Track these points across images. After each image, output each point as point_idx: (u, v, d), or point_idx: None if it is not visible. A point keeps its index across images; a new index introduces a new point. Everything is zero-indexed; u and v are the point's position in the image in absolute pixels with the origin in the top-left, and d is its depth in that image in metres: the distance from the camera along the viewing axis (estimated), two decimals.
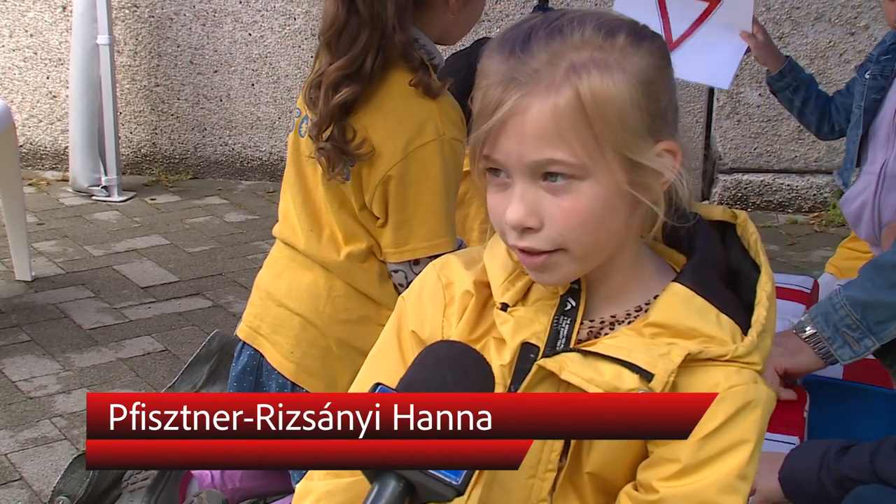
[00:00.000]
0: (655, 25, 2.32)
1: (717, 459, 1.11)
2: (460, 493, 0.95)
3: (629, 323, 1.18)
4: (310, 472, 1.26)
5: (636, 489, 1.14)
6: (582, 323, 1.18)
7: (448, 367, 1.01)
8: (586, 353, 1.12)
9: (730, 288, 1.19)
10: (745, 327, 1.16)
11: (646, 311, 1.17)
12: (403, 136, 1.89)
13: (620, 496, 1.15)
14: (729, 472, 1.10)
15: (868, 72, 2.95)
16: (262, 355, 2.10)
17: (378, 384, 0.98)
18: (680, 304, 1.14)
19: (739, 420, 1.11)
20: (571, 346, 1.17)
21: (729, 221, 1.24)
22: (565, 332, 1.18)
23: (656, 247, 1.24)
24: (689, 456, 1.10)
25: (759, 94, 4.79)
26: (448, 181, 1.92)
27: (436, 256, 1.88)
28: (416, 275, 1.87)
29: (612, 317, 1.19)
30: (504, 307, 1.19)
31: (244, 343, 2.15)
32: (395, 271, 1.98)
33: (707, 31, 2.48)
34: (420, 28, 1.99)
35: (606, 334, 1.18)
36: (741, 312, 1.17)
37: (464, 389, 0.99)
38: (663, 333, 1.13)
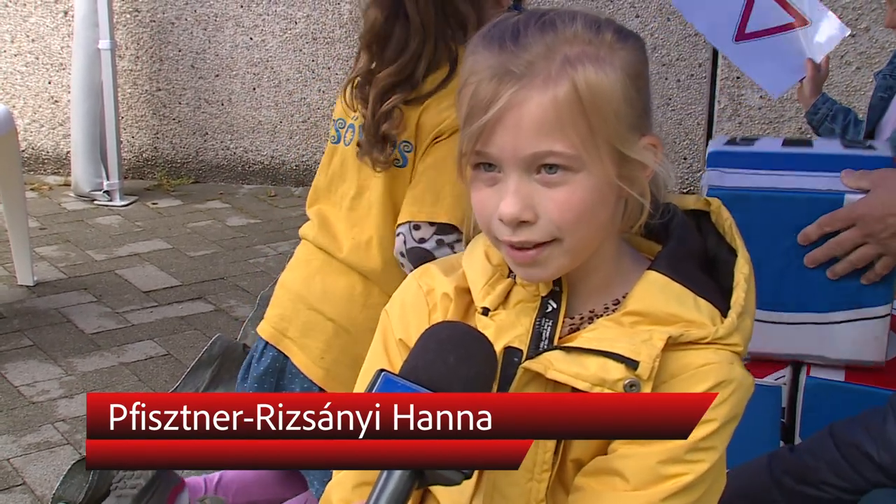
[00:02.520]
0: (736, 11, 2.39)
1: None
2: (468, 477, 0.96)
3: (608, 315, 1.17)
4: None
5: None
6: (563, 322, 1.18)
7: (450, 349, 1.01)
8: (569, 350, 1.12)
9: (708, 274, 1.20)
10: (724, 311, 1.16)
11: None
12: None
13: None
14: (679, 444, 1.09)
15: (882, 73, 2.96)
16: (286, 357, 2.06)
17: (382, 370, 0.99)
18: (657, 290, 1.14)
19: None
20: (554, 344, 1.17)
21: (703, 209, 1.24)
22: (547, 334, 1.17)
23: (634, 239, 1.24)
24: None
25: (760, 97, 4.79)
26: None
27: (440, 225, 1.91)
28: (415, 241, 1.87)
29: (591, 311, 1.19)
30: (485, 312, 1.19)
31: (267, 343, 2.11)
32: (398, 234, 1.96)
33: (781, 40, 2.54)
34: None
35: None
36: (719, 297, 1.17)
37: (466, 371, 1.00)
38: (643, 321, 1.13)
